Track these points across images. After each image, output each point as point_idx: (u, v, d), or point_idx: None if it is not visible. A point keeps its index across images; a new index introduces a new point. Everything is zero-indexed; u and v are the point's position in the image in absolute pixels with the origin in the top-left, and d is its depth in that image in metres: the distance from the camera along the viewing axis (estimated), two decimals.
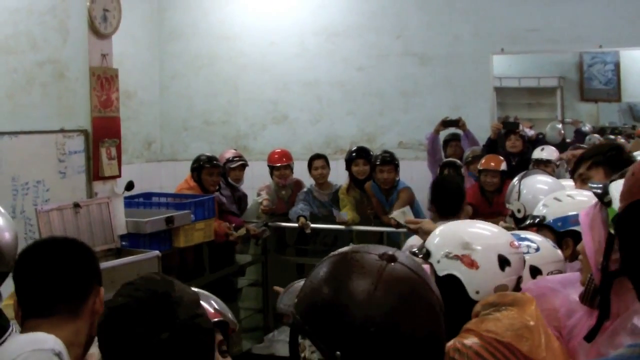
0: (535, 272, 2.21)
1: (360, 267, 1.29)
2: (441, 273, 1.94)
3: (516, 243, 2.02)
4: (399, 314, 1.25)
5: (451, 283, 1.91)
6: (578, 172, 3.00)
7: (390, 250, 1.32)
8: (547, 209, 2.52)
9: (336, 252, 1.38)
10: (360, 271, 1.28)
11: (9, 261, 1.90)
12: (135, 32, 7.24)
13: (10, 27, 4.50)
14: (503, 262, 1.92)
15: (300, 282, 1.66)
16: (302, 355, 1.33)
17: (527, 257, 2.22)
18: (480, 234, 1.99)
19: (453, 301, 1.84)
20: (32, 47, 4.59)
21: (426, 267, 1.90)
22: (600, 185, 1.80)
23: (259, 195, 6.26)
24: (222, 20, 7.66)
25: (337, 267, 1.32)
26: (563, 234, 2.43)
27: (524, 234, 2.41)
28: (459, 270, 1.91)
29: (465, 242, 1.94)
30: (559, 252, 2.31)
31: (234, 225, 5.67)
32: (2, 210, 1.98)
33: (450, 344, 1.72)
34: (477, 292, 1.89)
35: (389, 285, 1.26)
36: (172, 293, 1.50)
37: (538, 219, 2.51)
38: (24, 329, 1.88)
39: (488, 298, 1.83)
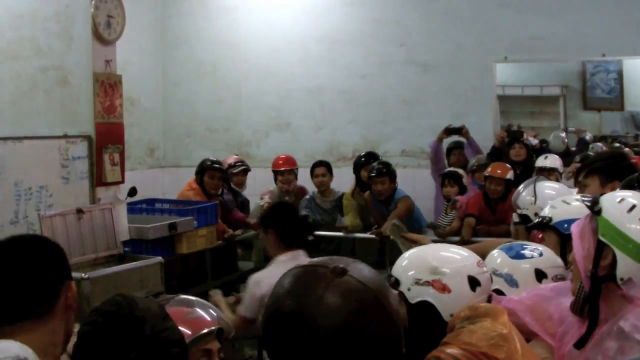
0: (540, 275, 2.23)
1: (309, 281, 1.29)
2: (413, 301, 1.95)
3: (482, 262, 2.04)
4: (344, 327, 1.23)
5: (425, 309, 1.93)
6: (578, 180, 3.08)
7: (344, 264, 1.30)
8: (554, 210, 2.53)
9: (296, 266, 1.37)
10: (309, 285, 1.28)
11: None
12: (139, 38, 7.25)
13: (14, 33, 4.51)
14: (473, 282, 1.95)
15: None
16: None
17: (532, 260, 2.25)
18: (447, 257, 2.01)
19: (428, 326, 1.90)
20: (36, 53, 4.60)
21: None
22: (591, 197, 1.91)
23: (261, 199, 6.25)
24: (225, 27, 7.67)
25: (291, 280, 1.32)
26: (568, 236, 2.43)
27: (525, 243, 2.44)
28: (431, 296, 1.92)
29: (434, 266, 1.96)
30: (560, 259, 2.33)
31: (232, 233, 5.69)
32: None
33: (429, 355, 1.75)
34: (451, 315, 1.90)
35: (335, 299, 1.24)
36: (135, 311, 1.53)
37: (545, 220, 2.52)
38: None
39: (461, 312, 1.85)
